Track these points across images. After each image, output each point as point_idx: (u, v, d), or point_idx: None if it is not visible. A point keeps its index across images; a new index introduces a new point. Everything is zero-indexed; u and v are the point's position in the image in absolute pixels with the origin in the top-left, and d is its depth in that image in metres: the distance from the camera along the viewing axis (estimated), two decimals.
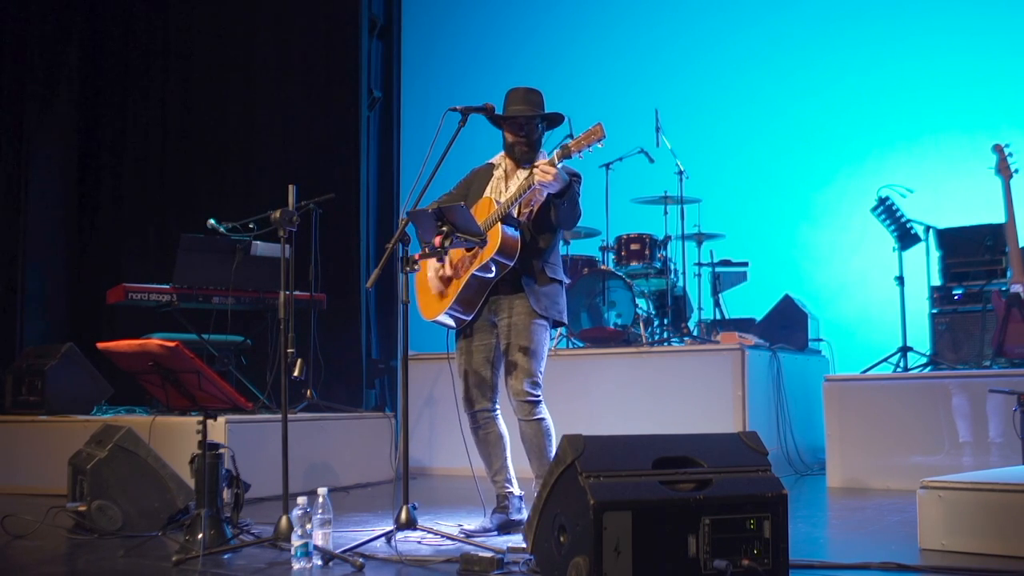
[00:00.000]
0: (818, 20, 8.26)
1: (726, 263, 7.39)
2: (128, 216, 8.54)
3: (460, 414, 4.41)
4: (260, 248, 6.27)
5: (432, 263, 4.32)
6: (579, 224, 4.48)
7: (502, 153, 4.41)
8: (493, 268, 4.12)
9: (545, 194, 4.11)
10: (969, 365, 6.00)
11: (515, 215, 4.16)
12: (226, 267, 6.21)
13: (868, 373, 6.28)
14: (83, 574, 3.73)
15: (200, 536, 3.71)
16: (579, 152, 4.01)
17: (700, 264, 7.27)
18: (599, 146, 4.00)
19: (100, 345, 4.19)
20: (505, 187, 4.32)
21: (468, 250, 4.17)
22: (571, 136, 4.79)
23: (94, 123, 8.62)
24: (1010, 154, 5.94)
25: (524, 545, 3.42)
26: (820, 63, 8.20)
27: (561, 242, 4.66)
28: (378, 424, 6.65)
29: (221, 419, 5.24)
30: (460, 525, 4.35)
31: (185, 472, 4.10)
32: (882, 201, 6.49)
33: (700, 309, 7.24)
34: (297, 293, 5.90)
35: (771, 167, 8.27)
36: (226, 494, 3.91)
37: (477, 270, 4.12)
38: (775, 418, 6.51)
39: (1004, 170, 5.92)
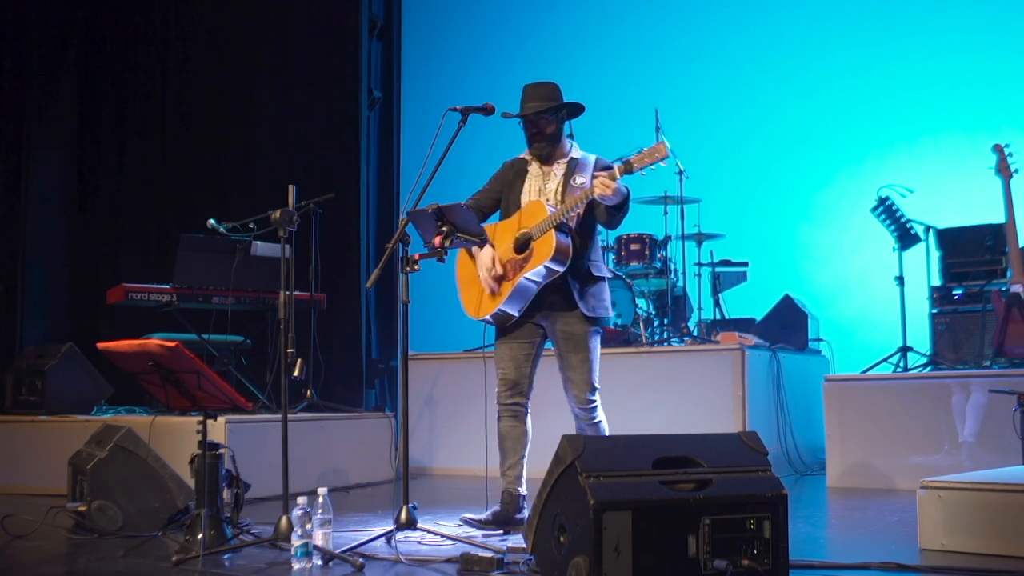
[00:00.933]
0: (818, 20, 8.26)
1: (726, 263, 7.39)
2: (128, 216, 8.53)
3: (462, 414, 4.43)
4: (260, 248, 6.27)
5: (480, 261, 4.35)
6: None
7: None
8: (544, 273, 4.16)
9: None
10: (969, 365, 6.00)
11: (568, 220, 4.19)
12: (226, 267, 6.21)
13: (868, 373, 6.28)
14: (83, 574, 3.73)
15: (200, 536, 3.71)
16: (641, 169, 4.02)
17: (700, 264, 7.27)
18: (663, 165, 4.00)
19: (100, 345, 4.19)
20: (544, 185, 4.36)
21: (519, 253, 4.23)
22: (571, 137, 4.79)
23: (94, 123, 8.61)
24: (1010, 154, 5.93)
25: (524, 545, 3.42)
26: (820, 63, 8.20)
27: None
28: (378, 424, 6.65)
29: (221, 419, 5.24)
30: (461, 521, 4.37)
31: (185, 472, 4.10)
32: (882, 201, 6.49)
33: (700, 309, 7.23)
34: (297, 293, 5.89)
35: (771, 167, 8.27)
36: (226, 494, 3.91)
37: (529, 275, 4.17)
38: (775, 418, 6.50)
39: (1004, 170, 5.92)
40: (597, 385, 4.35)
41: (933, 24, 7.85)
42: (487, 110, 4.20)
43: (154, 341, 4.07)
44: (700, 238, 7.24)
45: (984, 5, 7.73)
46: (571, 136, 4.54)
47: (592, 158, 4.38)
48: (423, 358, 7.13)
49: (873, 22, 8.07)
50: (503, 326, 4.39)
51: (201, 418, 3.91)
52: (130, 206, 8.55)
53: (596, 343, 4.35)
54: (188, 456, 3.92)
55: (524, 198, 4.38)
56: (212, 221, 6.07)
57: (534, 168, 4.42)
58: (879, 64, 8.02)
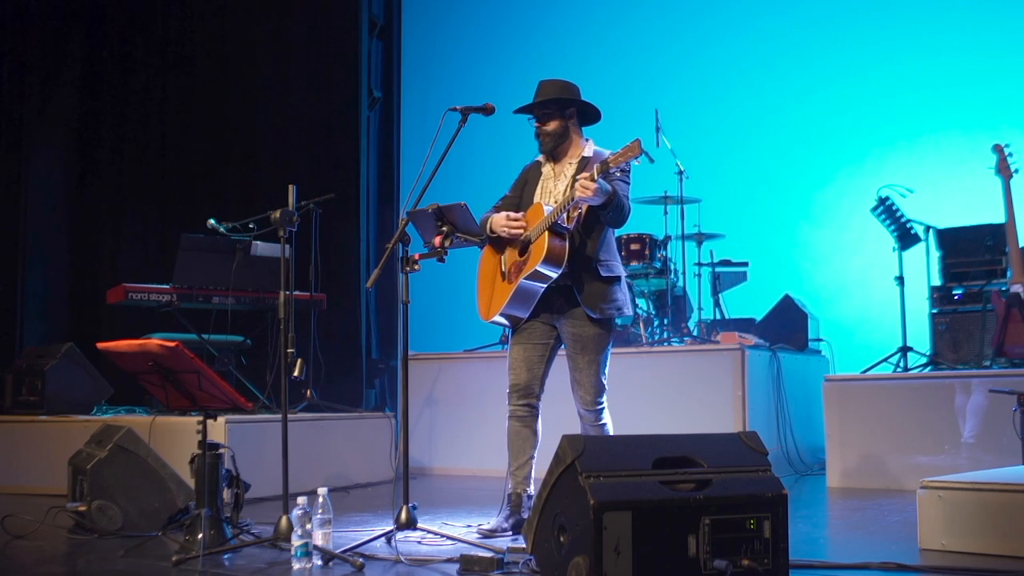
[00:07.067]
0: (818, 20, 8.26)
1: (726, 263, 7.39)
2: (128, 216, 8.54)
3: (462, 414, 4.42)
4: (260, 248, 6.27)
5: (493, 262, 4.36)
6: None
7: None
8: (542, 276, 4.16)
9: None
10: (969, 365, 6.00)
11: (564, 222, 4.17)
12: (226, 267, 6.21)
13: (868, 373, 6.28)
14: (83, 574, 3.73)
15: (200, 536, 3.71)
16: (617, 168, 4.02)
17: (700, 264, 7.27)
18: (636, 163, 4.01)
19: (100, 345, 4.19)
20: (554, 186, 4.36)
21: (520, 255, 4.23)
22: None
23: (94, 123, 8.61)
24: (1010, 154, 5.93)
25: (524, 545, 3.42)
26: (820, 63, 8.20)
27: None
28: (378, 424, 6.64)
29: (221, 419, 5.25)
30: (469, 525, 4.37)
31: (185, 472, 4.11)
32: (882, 201, 6.49)
33: (700, 309, 7.23)
34: (297, 293, 5.90)
35: (771, 167, 8.27)
36: (226, 494, 3.92)
37: (525, 278, 4.17)
38: (775, 418, 6.50)
39: (1004, 170, 5.92)
40: (605, 388, 4.31)
41: (933, 24, 7.85)
42: (487, 110, 4.21)
43: (154, 341, 4.07)
44: (700, 238, 7.24)
45: (984, 5, 7.73)
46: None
47: (606, 154, 4.34)
48: (423, 358, 7.13)
49: (873, 22, 8.07)
50: (516, 327, 4.40)
51: (201, 418, 3.91)
52: (130, 206, 8.56)
53: (606, 344, 4.30)
54: (188, 456, 3.92)
55: (536, 200, 4.38)
56: (212, 221, 6.07)
57: (547, 169, 4.43)
58: (879, 64, 8.02)
